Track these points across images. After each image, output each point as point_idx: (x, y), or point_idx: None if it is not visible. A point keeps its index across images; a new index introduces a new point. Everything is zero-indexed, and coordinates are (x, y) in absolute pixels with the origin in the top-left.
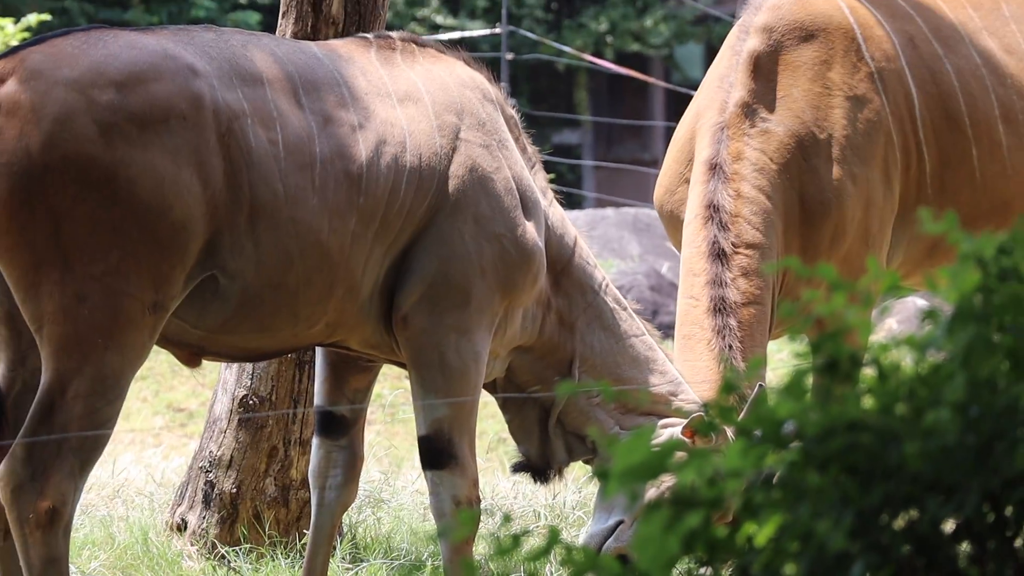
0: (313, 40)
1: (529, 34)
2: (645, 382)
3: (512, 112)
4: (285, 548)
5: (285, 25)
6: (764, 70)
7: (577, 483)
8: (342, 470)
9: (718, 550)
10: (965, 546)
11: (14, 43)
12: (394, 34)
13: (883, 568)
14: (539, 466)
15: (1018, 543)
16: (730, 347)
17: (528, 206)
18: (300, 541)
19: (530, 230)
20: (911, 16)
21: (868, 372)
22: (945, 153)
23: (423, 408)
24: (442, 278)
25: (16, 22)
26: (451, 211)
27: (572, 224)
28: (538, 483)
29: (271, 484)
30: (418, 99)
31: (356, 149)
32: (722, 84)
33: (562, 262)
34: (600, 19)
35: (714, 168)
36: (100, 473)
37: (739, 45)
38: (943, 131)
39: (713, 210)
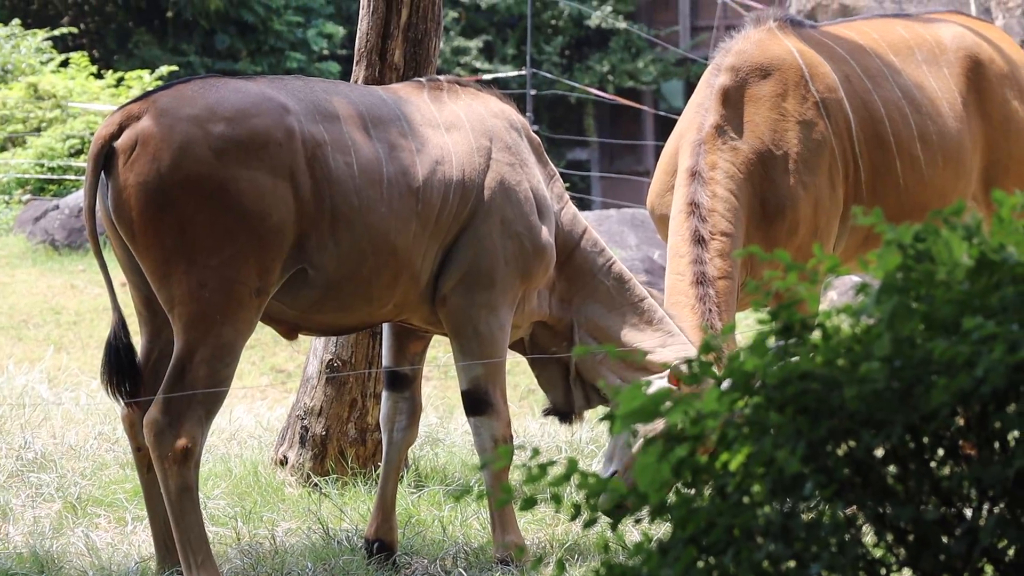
0: (379, 82)
1: (548, 74)
2: (637, 341)
3: (534, 136)
4: (364, 478)
5: (358, 71)
6: (732, 100)
7: (590, 423)
8: (406, 416)
9: (700, 475)
10: (892, 468)
11: (150, 88)
12: (442, 77)
13: (828, 486)
14: (564, 411)
15: (933, 465)
16: (710, 311)
17: (542, 211)
18: (375, 472)
19: (543, 230)
20: (846, 59)
21: (815, 334)
22: (875, 165)
23: (462, 368)
24: (474, 267)
25: (151, 72)
26: (484, 215)
27: (583, 220)
28: (563, 424)
29: (352, 428)
30: (460, 128)
31: (415, 169)
32: (699, 111)
33: (567, 252)
34: (603, 62)
35: (694, 175)
36: (220, 421)
37: (713, 80)
38: (874, 148)
39: (694, 206)
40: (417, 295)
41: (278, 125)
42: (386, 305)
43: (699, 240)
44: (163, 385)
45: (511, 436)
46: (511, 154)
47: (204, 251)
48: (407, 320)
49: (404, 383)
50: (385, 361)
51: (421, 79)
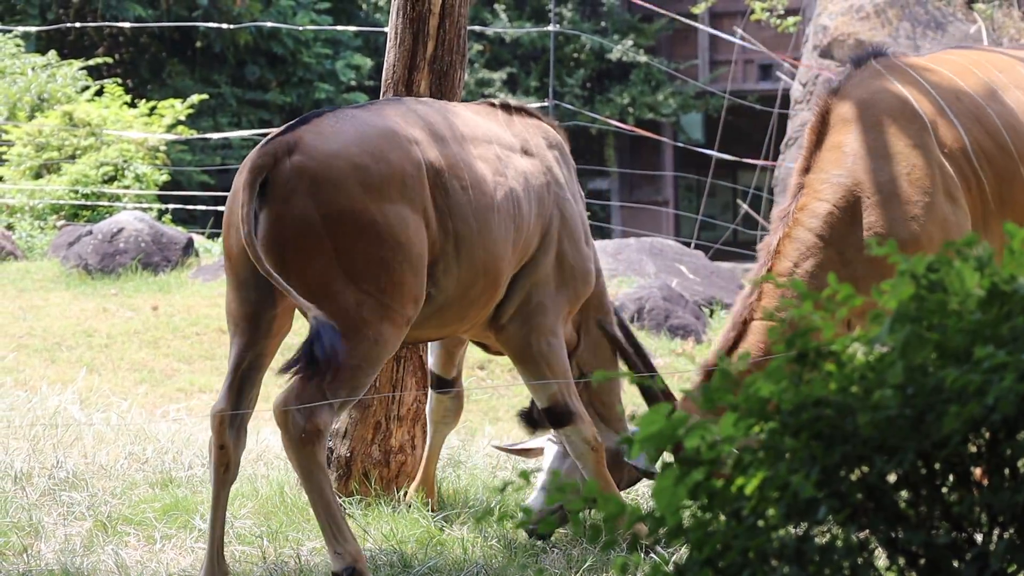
0: None
1: (569, 106)
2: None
3: (572, 160)
4: (387, 499)
5: None
6: (825, 137)
7: None
8: (452, 412)
9: (716, 498)
10: (904, 493)
11: (182, 117)
12: (511, 101)
13: (842, 510)
14: (533, 419)
15: (944, 490)
16: (726, 350)
17: (587, 237)
18: (399, 492)
19: (590, 257)
20: (953, 79)
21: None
22: (999, 174)
23: (535, 389)
24: (530, 297)
25: (183, 102)
26: (547, 247)
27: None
28: (527, 428)
29: (376, 450)
30: (532, 154)
31: (514, 193)
32: (798, 153)
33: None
34: (624, 95)
35: (783, 218)
36: (248, 442)
37: (809, 119)
38: (995, 158)
39: (765, 247)
40: (485, 317)
41: (409, 158)
42: (470, 324)
43: (755, 283)
44: (299, 379)
45: (596, 434)
46: (567, 184)
47: (361, 278)
48: (464, 335)
49: (450, 384)
50: (433, 368)
51: (493, 100)
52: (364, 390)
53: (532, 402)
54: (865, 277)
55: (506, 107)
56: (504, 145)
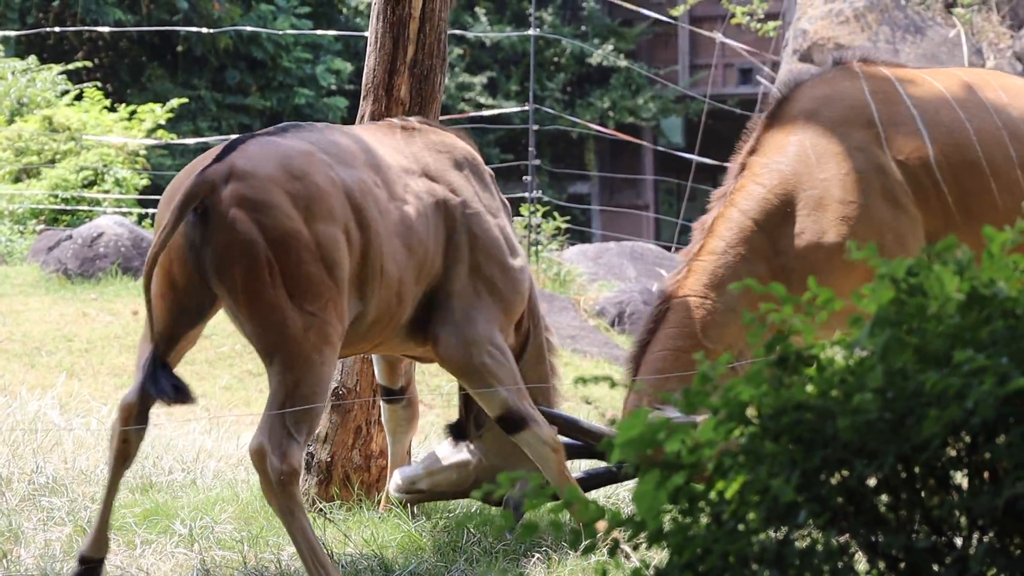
0: (386, 117)
1: (550, 110)
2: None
3: (488, 169)
4: (368, 503)
5: (365, 106)
6: (776, 128)
7: None
8: (406, 421)
9: (697, 502)
10: (884, 497)
11: (162, 121)
12: (412, 119)
13: (822, 514)
14: (460, 432)
15: (924, 494)
16: (649, 329)
17: (512, 247)
18: (379, 495)
19: (517, 266)
20: (942, 92)
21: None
22: (965, 189)
23: (485, 398)
24: (455, 311)
25: (163, 106)
26: (454, 263)
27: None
28: (455, 441)
29: (357, 454)
30: (431, 176)
31: (409, 216)
32: (746, 138)
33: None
34: (604, 99)
35: (721, 197)
36: (227, 447)
37: (765, 110)
38: (962, 172)
39: (701, 224)
40: (394, 334)
41: (330, 179)
42: (373, 342)
43: (686, 260)
44: (267, 418)
45: (554, 434)
46: (478, 198)
47: (306, 300)
48: (379, 351)
49: (399, 393)
50: (379, 379)
51: (394, 120)
52: (321, 416)
53: (463, 413)
54: (797, 269)
55: (407, 127)
56: (401, 168)
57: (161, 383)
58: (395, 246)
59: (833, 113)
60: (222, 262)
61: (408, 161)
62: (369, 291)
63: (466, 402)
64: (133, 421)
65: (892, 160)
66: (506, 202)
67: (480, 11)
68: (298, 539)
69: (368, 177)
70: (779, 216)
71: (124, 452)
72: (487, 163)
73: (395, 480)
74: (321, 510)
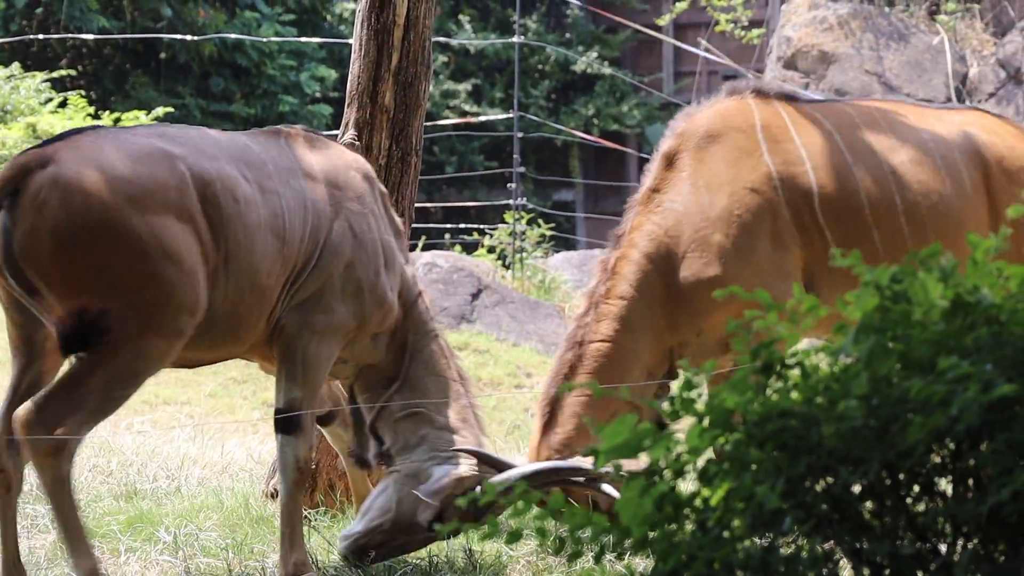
0: (372, 124)
1: (534, 118)
2: (442, 413)
3: (383, 188)
4: (352, 511)
5: (349, 113)
6: (675, 164)
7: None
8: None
9: (682, 509)
10: (869, 504)
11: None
12: (298, 128)
13: (807, 521)
14: (362, 456)
15: (909, 501)
16: (564, 375)
17: (389, 263)
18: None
19: (387, 282)
20: (832, 133)
21: (794, 372)
22: (847, 235)
23: (282, 388)
24: (314, 296)
25: (147, 113)
26: (331, 256)
27: (419, 284)
28: (362, 469)
29: (341, 462)
30: (315, 176)
31: (281, 212)
32: (645, 174)
33: (406, 308)
34: (588, 106)
35: (619, 237)
36: (211, 454)
37: (661, 144)
38: (844, 218)
39: (603, 265)
40: (262, 333)
41: (172, 170)
42: (245, 344)
43: (592, 302)
44: (48, 390)
45: (310, 459)
46: (361, 204)
47: (122, 291)
48: (248, 357)
49: (329, 416)
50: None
51: (279, 128)
52: (119, 404)
53: (362, 442)
54: (684, 310)
55: (292, 134)
56: (279, 167)
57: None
58: (262, 238)
59: (727, 151)
60: (28, 247)
61: (288, 162)
62: (222, 282)
63: (357, 424)
64: (6, 450)
65: (782, 201)
66: (398, 222)
67: (464, 18)
68: (57, 512)
69: (233, 171)
70: (674, 257)
71: (3, 482)
72: (470, 170)
73: (339, 546)
74: (305, 516)
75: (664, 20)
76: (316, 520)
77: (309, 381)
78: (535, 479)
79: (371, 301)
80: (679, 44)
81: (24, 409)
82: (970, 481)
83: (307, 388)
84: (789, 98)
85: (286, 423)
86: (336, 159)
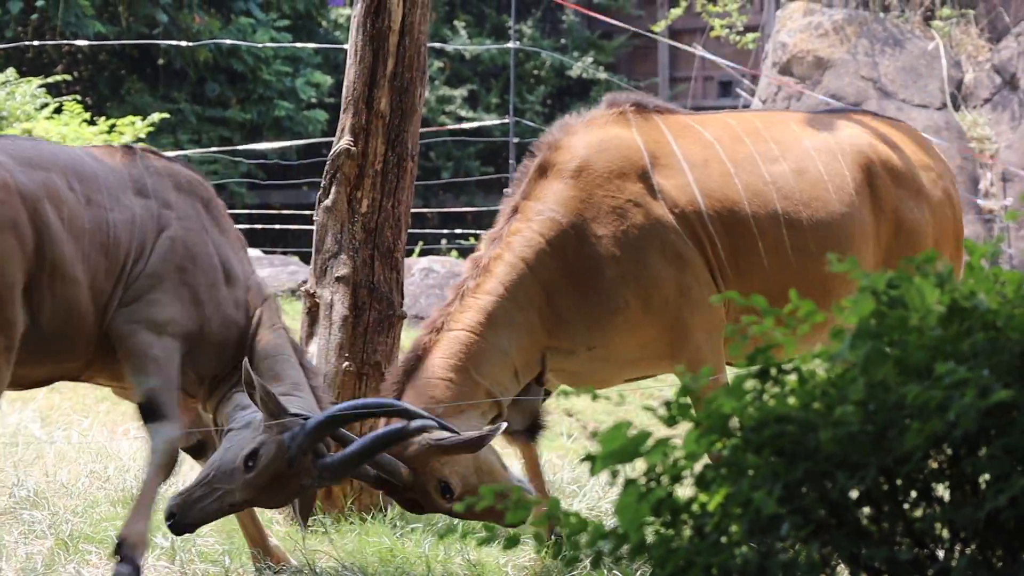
0: (366, 130)
1: (530, 123)
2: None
3: (221, 203)
4: (351, 515)
5: (345, 119)
6: (551, 174)
7: (572, 463)
8: None
9: (679, 514)
10: (866, 509)
11: (142, 135)
12: (137, 145)
13: (804, 527)
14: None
15: (906, 506)
16: (417, 356)
17: (230, 277)
18: (360, 510)
19: (226, 295)
20: (712, 144)
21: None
22: (735, 246)
23: (136, 383)
24: (145, 296)
25: (143, 119)
26: (162, 263)
27: (267, 289)
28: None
29: None
30: (147, 193)
31: (107, 226)
32: (516, 183)
33: (252, 315)
34: (584, 111)
35: (494, 239)
36: None
37: (537, 154)
38: (732, 229)
39: (475, 262)
40: (93, 351)
41: None
42: (79, 360)
43: (459, 294)
44: None
45: (179, 443)
46: (193, 220)
47: None
48: (94, 378)
49: (196, 449)
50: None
51: (114, 144)
52: None
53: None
54: (576, 327)
55: (129, 151)
56: (111, 181)
57: None
58: (85, 250)
59: (608, 164)
60: None
61: (120, 177)
62: (47, 292)
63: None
64: None
65: (668, 212)
66: (240, 236)
67: (460, 24)
68: None
69: (60, 181)
70: (553, 267)
71: None
72: (466, 175)
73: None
74: (311, 521)
75: (659, 26)
76: (314, 523)
77: (159, 370)
78: (344, 418)
79: (211, 309)
80: (676, 44)
81: None
82: (967, 487)
83: (160, 376)
84: (669, 111)
85: (150, 412)
86: (170, 175)
